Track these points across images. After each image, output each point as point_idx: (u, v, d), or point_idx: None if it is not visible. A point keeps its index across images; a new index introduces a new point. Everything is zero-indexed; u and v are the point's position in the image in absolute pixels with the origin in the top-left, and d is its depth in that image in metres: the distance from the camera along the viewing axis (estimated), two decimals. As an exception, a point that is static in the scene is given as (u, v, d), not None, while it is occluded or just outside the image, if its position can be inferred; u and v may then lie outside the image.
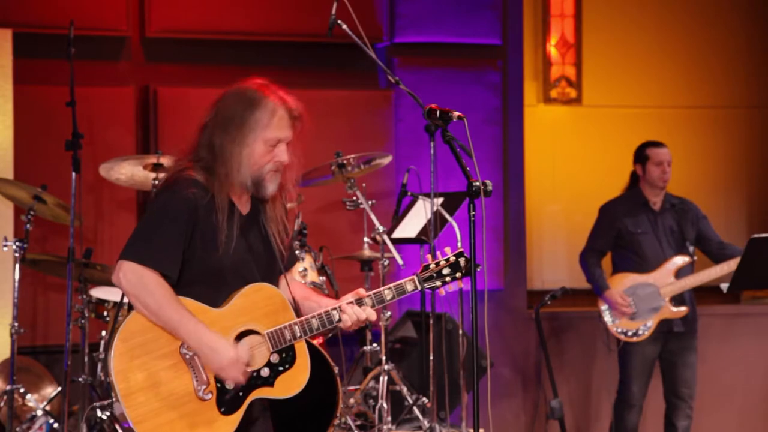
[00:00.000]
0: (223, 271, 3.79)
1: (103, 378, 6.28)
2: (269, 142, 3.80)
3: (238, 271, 3.82)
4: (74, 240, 6.06)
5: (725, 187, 9.16)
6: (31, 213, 6.22)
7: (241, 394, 3.77)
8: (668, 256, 6.87)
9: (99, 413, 6.19)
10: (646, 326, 6.79)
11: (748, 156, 9.24)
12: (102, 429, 6.19)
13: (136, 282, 3.69)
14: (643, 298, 6.79)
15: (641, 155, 6.97)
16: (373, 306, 3.90)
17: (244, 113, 3.80)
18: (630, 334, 6.80)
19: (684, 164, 8.96)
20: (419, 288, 3.94)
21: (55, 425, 6.25)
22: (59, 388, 6.35)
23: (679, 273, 6.85)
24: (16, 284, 6.26)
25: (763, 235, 6.18)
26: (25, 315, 6.84)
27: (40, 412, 6.29)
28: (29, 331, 6.86)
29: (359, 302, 3.89)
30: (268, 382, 3.81)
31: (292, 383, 3.84)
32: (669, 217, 6.94)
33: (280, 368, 3.82)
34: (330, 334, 6.46)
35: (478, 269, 4.00)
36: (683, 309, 6.82)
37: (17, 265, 6.24)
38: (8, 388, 6.19)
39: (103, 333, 6.31)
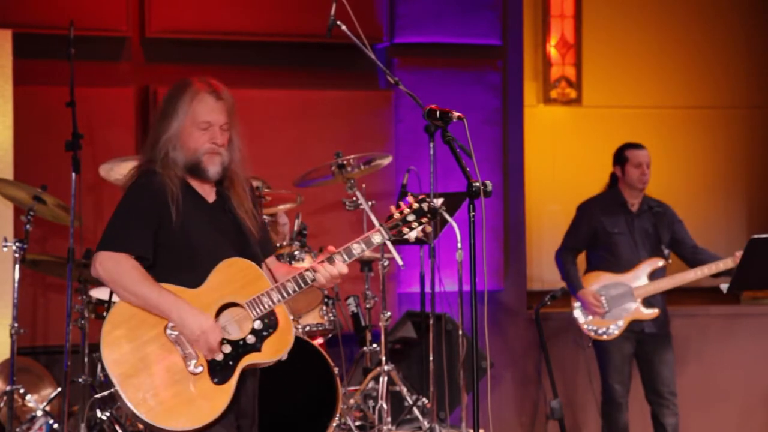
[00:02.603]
0: (196, 253, 3.97)
1: (101, 378, 6.28)
2: (199, 126, 4.01)
3: (213, 254, 3.98)
4: (74, 240, 6.07)
5: (725, 187, 9.16)
6: (31, 213, 6.22)
7: (231, 363, 3.93)
8: (643, 258, 6.92)
9: (99, 413, 6.19)
10: (617, 325, 6.86)
11: (748, 156, 9.24)
12: (102, 429, 6.20)
13: (111, 268, 3.91)
14: (616, 298, 6.86)
15: (620, 157, 7.02)
16: (344, 261, 4.07)
17: (170, 102, 4.04)
18: (600, 332, 6.88)
19: (684, 164, 8.96)
20: (386, 237, 4.09)
21: (55, 426, 6.25)
22: (59, 389, 6.35)
23: (653, 275, 6.91)
24: (16, 285, 6.25)
25: (763, 235, 6.18)
26: (25, 315, 6.84)
27: (40, 413, 6.29)
28: (29, 331, 6.86)
29: (330, 260, 4.05)
30: (256, 347, 3.96)
31: (279, 345, 4.00)
32: (646, 220, 7.00)
33: (265, 333, 3.98)
34: (330, 335, 6.46)
35: (442, 209, 4.14)
36: (654, 311, 6.88)
37: (17, 266, 6.24)
38: (8, 388, 6.19)
39: (103, 333, 6.30)
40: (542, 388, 7.98)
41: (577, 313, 6.94)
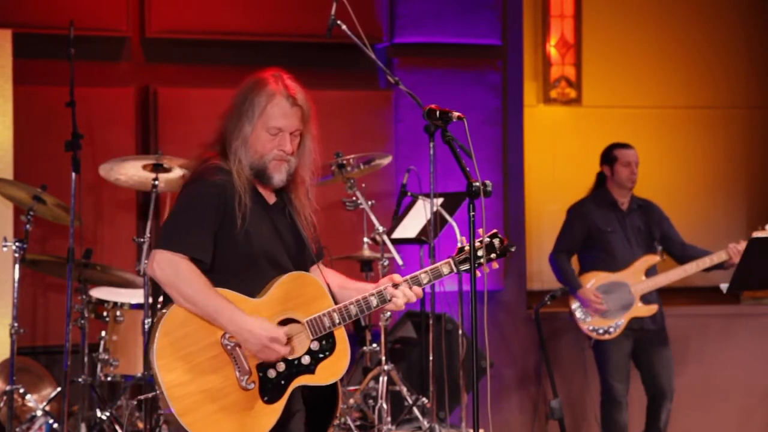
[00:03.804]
0: (255, 257, 3.84)
1: (101, 378, 6.28)
2: (270, 131, 3.86)
3: (271, 259, 3.87)
4: (74, 240, 6.06)
5: (725, 187, 9.15)
6: (31, 213, 6.22)
7: (283, 382, 3.81)
8: (637, 255, 6.99)
9: (99, 413, 6.19)
10: (617, 324, 6.91)
11: (748, 156, 9.24)
12: (102, 429, 6.19)
13: (170, 271, 3.74)
14: (614, 296, 6.92)
15: (609, 157, 7.10)
16: (410, 288, 3.92)
17: (244, 101, 3.87)
18: (601, 331, 6.93)
19: (684, 164, 8.96)
20: (455, 270, 3.96)
21: (55, 426, 6.25)
22: (59, 389, 6.35)
23: (649, 272, 6.98)
24: (16, 284, 6.25)
25: (763, 235, 6.18)
26: (25, 315, 6.84)
27: (39, 413, 6.29)
28: (29, 331, 6.86)
29: (395, 287, 3.92)
30: (309, 369, 3.85)
31: (333, 370, 3.88)
32: (636, 217, 7.09)
33: (321, 355, 3.86)
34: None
35: (513, 249, 4.03)
36: (654, 307, 6.93)
37: (17, 266, 6.24)
38: (8, 388, 6.19)
39: (103, 333, 6.31)
40: (542, 388, 7.98)
41: (578, 314, 6.96)
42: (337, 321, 3.86)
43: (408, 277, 3.96)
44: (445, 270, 3.96)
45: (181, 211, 3.82)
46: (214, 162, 3.87)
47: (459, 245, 3.99)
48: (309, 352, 3.85)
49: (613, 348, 6.94)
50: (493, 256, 3.97)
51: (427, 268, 3.97)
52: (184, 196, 3.85)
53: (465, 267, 3.96)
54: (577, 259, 7.19)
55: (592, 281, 6.95)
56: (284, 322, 3.84)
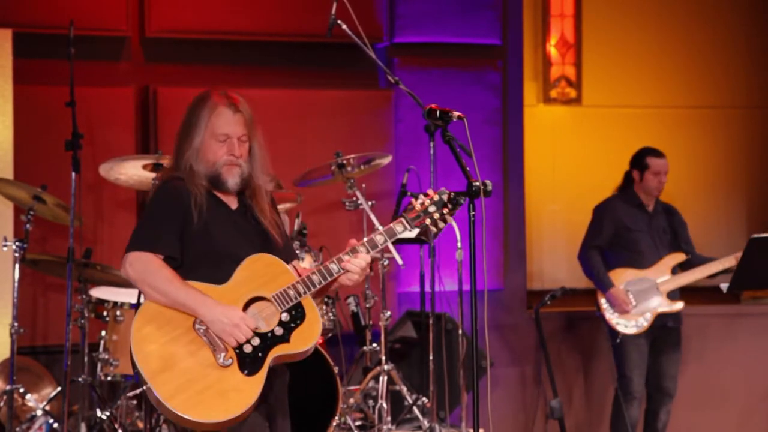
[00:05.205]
0: (219, 254, 4.06)
1: (101, 378, 6.28)
2: (217, 138, 4.12)
3: (235, 256, 4.05)
4: (74, 240, 6.07)
5: (725, 187, 9.16)
6: (31, 213, 6.22)
7: (260, 354, 3.98)
8: (663, 254, 7.06)
9: (99, 413, 6.19)
10: (645, 318, 6.94)
11: (748, 156, 9.24)
12: (102, 429, 6.19)
13: (141, 268, 3.98)
14: (641, 293, 6.96)
15: (641, 162, 7.12)
16: (367, 252, 4.11)
17: (191, 115, 4.19)
18: (629, 326, 6.93)
19: (684, 164, 8.95)
20: (408, 227, 4.13)
21: (55, 425, 6.25)
22: (59, 388, 6.35)
23: (674, 270, 7.04)
24: (16, 284, 6.25)
25: (763, 235, 6.19)
26: (25, 315, 6.84)
27: (39, 412, 6.29)
28: (29, 331, 6.86)
29: (353, 251, 4.10)
30: (284, 338, 4.01)
31: (308, 335, 4.04)
32: (661, 219, 7.18)
33: (292, 325, 4.03)
34: (330, 334, 6.46)
35: (462, 201, 4.13)
36: (679, 304, 6.98)
37: (17, 265, 6.24)
38: (8, 388, 6.19)
39: (103, 333, 6.31)
40: (542, 388, 7.98)
41: (606, 309, 6.97)
42: (302, 291, 4.04)
43: (365, 239, 4.11)
44: (399, 228, 4.13)
45: (147, 216, 4.15)
46: (171, 174, 4.18)
47: (409, 206, 4.12)
48: (280, 323, 4.02)
49: (636, 343, 6.97)
50: (445, 211, 4.11)
51: (382, 229, 4.11)
52: (148, 204, 4.21)
53: (417, 222, 4.11)
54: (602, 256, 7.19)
55: (620, 281, 6.96)
56: (252, 301, 4.02)
